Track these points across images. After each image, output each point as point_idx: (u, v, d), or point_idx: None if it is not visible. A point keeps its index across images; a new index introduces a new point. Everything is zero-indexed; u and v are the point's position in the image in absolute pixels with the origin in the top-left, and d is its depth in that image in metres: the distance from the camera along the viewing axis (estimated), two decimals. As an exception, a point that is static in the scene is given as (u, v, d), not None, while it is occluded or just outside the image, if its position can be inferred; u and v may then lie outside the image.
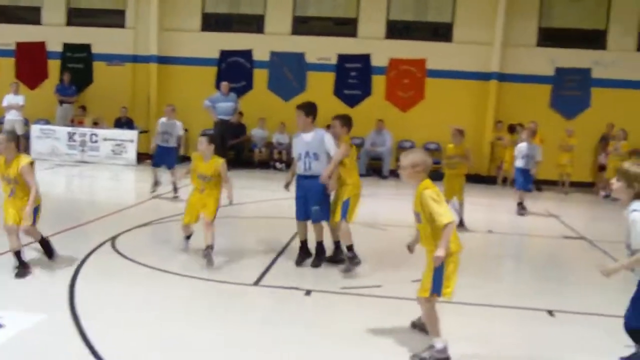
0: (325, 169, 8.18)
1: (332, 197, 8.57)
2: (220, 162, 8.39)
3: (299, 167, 8.40)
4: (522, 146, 13.87)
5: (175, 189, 13.24)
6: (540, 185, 18.04)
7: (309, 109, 8.57)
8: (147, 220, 11.06)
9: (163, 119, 13.58)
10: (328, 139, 8.35)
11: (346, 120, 8.73)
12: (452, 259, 5.53)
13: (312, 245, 8.61)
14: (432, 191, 5.44)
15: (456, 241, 5.55)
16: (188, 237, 8.97)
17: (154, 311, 6.49)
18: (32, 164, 7.23)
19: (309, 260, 8.55)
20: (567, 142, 18.00)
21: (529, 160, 13.70)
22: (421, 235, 5.74)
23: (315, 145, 8.28)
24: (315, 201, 8.28)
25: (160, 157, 13.44)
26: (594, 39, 19.53)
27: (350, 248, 8.38)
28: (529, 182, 14.03)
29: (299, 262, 8.50)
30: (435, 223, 5.39)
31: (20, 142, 7.31)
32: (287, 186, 8.82)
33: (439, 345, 5.61)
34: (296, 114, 8.57)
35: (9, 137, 7.19)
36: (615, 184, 5.07)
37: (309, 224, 8.52)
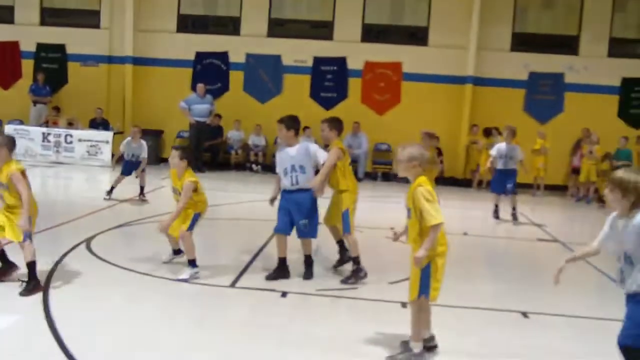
0: (315, 178, 7.86)
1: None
2: (185, 182, 7.80)
3: (285, 183, 7.98)
4: (501, 147, 13.55)
5: (142, 191, 13.19)
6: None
7: (290, 122, 8.01)
8: (122, 221, 11.02)
9: (129, 139, 13.36)
10: (314, 148, 8.06)
11: (335, 123, 8.38)
12: (439, 260, 5.50)
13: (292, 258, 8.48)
14: (425, 189, 5.39)
15: (444, 243, 5.53)
16: (175, 252, 8.47)
17: (128, 313, 6.47)
18: (23, 172, 6.74)
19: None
20: (542, 145, 18.14)
21: (508, 160, 13.44)
22: (409, 232, 5.68)
23: (300, 158, 7.90)
24: (303, 215, 7.92)
25: (129, 169, 13.32)
26: (567, 45, 19.78)
27: (356, 260, 8.17)
28: (510, 183, 13.51)
29: (272, 277, 7.94)
30: (424, 222, 5.36)
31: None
32: (272, 201, 8.35)
33: (416, 350, 5.64)
34: (277, 128, 8.04)
35: None
36: (609, 195, 4.54)
37: (293, 238, 8.13)
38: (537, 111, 19.69)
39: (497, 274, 9.58)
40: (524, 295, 8.03)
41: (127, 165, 13.29)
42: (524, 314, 7.14)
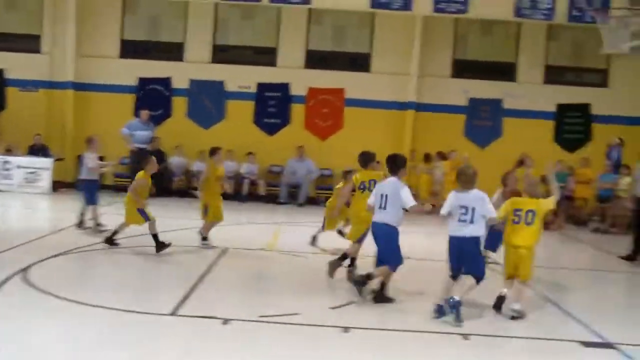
0: None
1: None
2: None
3: None
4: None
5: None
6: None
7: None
8: (61, 250, 10.76)
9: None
10: None
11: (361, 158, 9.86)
12: None
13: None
14: None
15: None
16: None
17: (65, 344, 6.34)
18: None
19: None
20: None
21: None
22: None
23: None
24: None
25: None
26: (505, 71, 20.31)
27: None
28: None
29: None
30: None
31: None
32: None
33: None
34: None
35: None
36: None
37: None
38: (477, 136, 20.10)
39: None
40: (467, 317, 8.13)
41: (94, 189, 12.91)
42: (465, 336, 7.22)
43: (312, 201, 19.42)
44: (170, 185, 19.47)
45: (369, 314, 8.01)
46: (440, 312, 7.71)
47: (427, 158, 18.92)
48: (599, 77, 20.47)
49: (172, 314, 7.51)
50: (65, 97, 19.73)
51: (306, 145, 19.53)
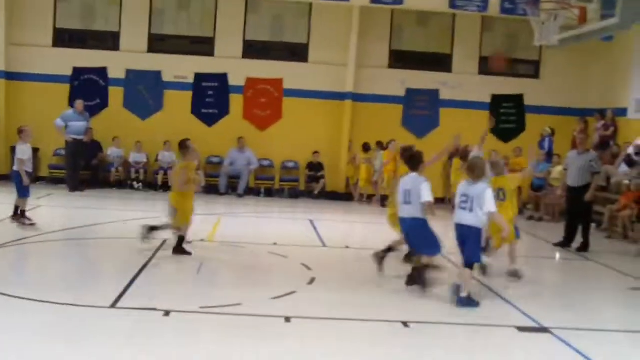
0: None
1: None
2: None
3: None
4: None
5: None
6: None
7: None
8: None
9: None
10: None
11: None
12: None
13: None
14: None
15: None
16: None
17: (1, 338, 6.24)
18: None
19: None
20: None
21: None
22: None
23: None
24: None
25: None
26: (441, 62, 20.63)
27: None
28: None
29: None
30: None
31: None
32: None
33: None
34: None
35: None
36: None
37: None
38: (415, 126, 20.36)
39: (376, 285, 9.75)
40: (403, 305, 8.30)
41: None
42: (405, 324, 7.38)
43: (252, 191, 19.44)
44: (108, 177, 19.19)
45: (310, 304, 8.09)
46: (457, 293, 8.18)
47: (366, 148, 19.08)
48: (532, 69, 21.01)
49: (112, 306, 7.46)
50: (-3, 87, 19.18)
51: (245, 136, 19.50)
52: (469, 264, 8.16)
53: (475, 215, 8.02)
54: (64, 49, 19.70)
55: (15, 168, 12.59)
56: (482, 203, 7.95)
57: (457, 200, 8.33)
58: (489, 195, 8.02)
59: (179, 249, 10.17)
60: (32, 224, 12.03)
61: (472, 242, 8.12)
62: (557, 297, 9.68)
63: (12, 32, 19.25)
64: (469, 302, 8.07)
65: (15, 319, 6.89)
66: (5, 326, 6.62)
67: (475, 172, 8.18)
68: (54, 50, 19.66)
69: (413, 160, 8.95)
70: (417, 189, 8.58)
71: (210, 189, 18.16)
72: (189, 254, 10.14)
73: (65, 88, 19.56)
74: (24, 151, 12.47)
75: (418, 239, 8.78)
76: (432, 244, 8.74)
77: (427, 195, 8.53)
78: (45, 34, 19.64)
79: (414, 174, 8.80)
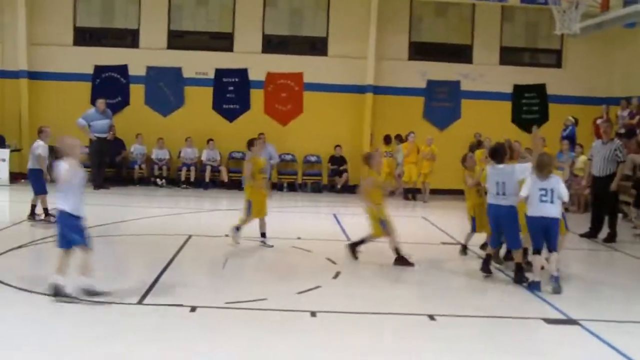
0: None
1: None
2: None
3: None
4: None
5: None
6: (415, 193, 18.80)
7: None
8: (23, 242, 10.61)
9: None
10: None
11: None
12: None
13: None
14: None
15: None
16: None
17: (32, 336, 6.29)
18: None
19: None
20: (430, 151, 18.56)
21: None
22: None
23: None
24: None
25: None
26: (461, 53, 20.50)
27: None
28: None
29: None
30: None
31: None
32: None
33: None
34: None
35: None
36: None
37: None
38: (436, 118, 20.28)
39: (402, 279, 9.71)
40: (431, 298, 8.27)
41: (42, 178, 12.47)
42: (431, 317, 7.35)
43: (275, 186, 19.44)
44: (131, 174, 19.31)
45: (336, 298, 8.07)
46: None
47: (387, 140, 18.95)
48: (554, 58, 20.80)
49: (139, 302, 7.49)
50: (19, 86, 19.32)
51: (267, 131, 19.48)
52: (554, 250, 8.63)
53: (556, 206, 8.60)
54: (85, 48, 19.83)
55: (30, 166, 12.59)
56: (560, 194, 8.55)
57: (524, 193, 8.72)
58: (563, 186, 8.65)
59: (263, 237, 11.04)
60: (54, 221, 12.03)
61: (554, 232, 8.61)
62: (584, 289, 9.56)
63: (33, 32, 19.39)
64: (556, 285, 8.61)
65: (44, 317, 6.94)
66: (33, 324, 6.67)
67: (544, 170, 8.60)
68: (74, 48, 19.78)
69: (499, 153, 9.34)
70: (512, 179, 9.03)
71: (233, 185, 18.19)
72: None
73: (86, 86, 19.69)
74: (44, 148, 12.48)
75: (512, 228, 9.15)
76: (518, 236, 9.23)
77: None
78: (65, 32, 19.77)
79: (501, 166, 9.20)
